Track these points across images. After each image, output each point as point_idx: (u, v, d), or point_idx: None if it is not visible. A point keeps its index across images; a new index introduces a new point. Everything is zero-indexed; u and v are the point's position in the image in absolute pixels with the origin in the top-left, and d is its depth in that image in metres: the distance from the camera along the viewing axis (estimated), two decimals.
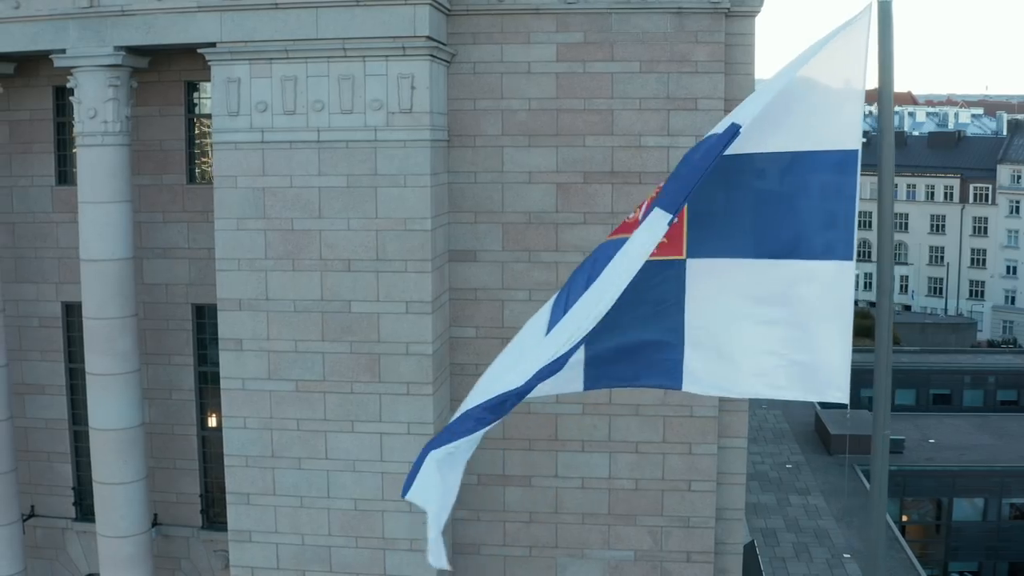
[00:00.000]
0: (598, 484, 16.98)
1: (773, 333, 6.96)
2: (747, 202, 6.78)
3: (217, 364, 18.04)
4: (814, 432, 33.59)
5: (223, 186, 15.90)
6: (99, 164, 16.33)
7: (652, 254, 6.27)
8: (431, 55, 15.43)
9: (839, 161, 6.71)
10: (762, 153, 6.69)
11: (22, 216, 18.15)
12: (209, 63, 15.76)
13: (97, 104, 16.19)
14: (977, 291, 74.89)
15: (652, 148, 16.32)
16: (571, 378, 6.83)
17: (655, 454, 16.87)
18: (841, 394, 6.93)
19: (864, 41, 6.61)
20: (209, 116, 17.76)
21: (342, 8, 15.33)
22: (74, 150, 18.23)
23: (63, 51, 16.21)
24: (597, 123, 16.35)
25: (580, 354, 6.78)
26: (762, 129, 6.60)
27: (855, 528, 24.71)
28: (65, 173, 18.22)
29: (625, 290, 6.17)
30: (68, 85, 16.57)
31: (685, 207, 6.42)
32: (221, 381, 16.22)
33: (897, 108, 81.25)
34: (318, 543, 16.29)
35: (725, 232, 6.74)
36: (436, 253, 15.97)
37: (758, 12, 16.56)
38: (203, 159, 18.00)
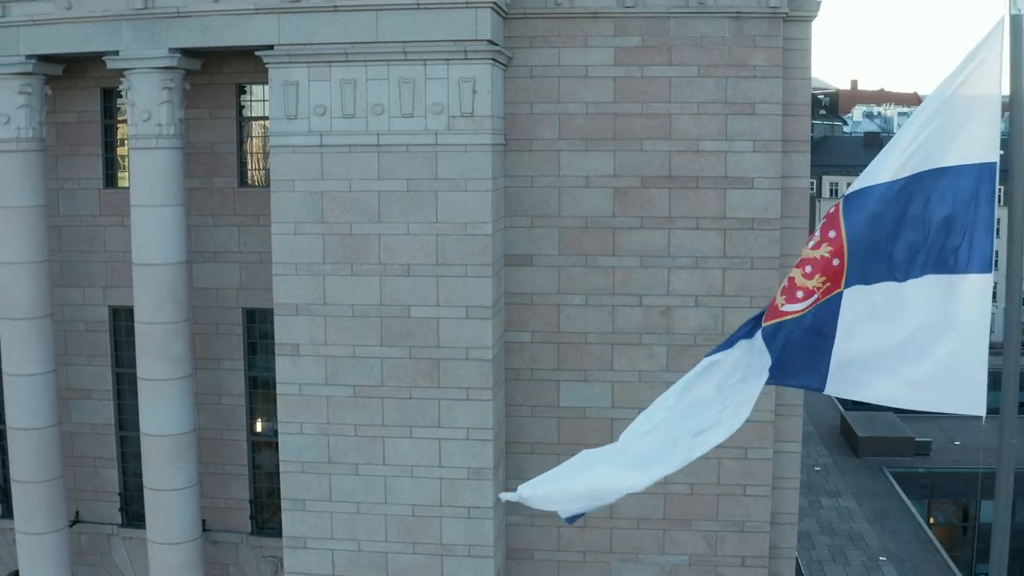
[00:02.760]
0: (653, 488, 16.65)
1: (914, 346, 6.99)
2: (897, 224, 6.82)
3: (267, 368, 17.98)
4: (840, 434, 33.65)
5: (280, 190, 15.79)
6: (152, 167, 16.19)
7: (816, 301, 6.74)
8: (492, 59, 15.36)
9: (977, 174, 6.75)
10: (912, 176, 6.75)
11: (68, 219, 17.97)
12: (267, 66, 15.65)
13: (151, 107, 16.05)
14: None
15: (710, 152, 16.28)
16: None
17: (711, 458, 16.78)
18: (979, 408, 6.94)
19: (998, 54, 6.64)
20: (259, 119, 17.68)
21: (402, 11, 15.25)
22: (122, 152, 18.11)
23: (116, 53, 16.06)
24: (655, 127, 16.31)
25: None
26: (910, 152, 6.71)
27: (889, 531, 24.78)
28: (112, 176, 18.05)
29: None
30: (120, 88, 16.45)
31: (845, 243, 6.71)
32: (277, 386, 16.10)
33: (905, 109, 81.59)
34: (374, 549, 16.21)
35: (876, 257, 6.82)
36: (495, 257, 15.90)
37: (815, 16, 16.55)
38: (255, 162, 17.87)
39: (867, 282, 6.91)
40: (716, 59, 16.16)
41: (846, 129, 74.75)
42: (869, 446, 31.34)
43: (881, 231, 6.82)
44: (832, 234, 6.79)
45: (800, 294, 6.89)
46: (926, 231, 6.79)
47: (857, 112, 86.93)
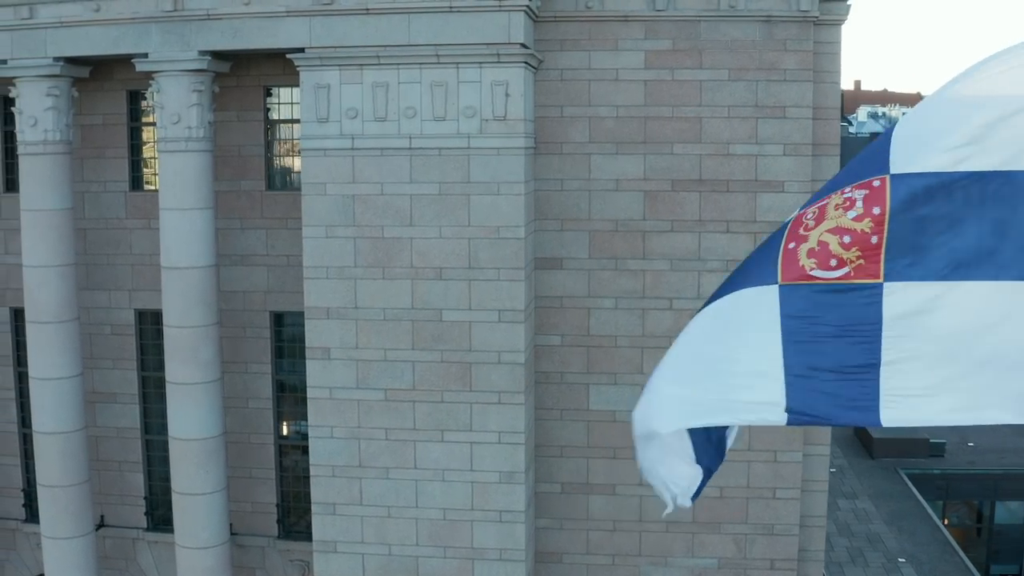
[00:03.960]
0: None
1: (990, 357, 6.83)
2: (957, 223, 6.63)
3: (294, 372, 17.94)
4: (854, 435, 33.72)
5: (311, 193, 15.75)
6: (182, 170, 16.13)
7: (844, 277, 6.04)
8: (525, 62, 15.34)
9: None
10: (974, 172, 6.56)
11: (94, 222, 17.90)
12: (298, 68, 15.60)
13: (180, 109, 15.99)
14: None
15: (740, 156, 16.28)
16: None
17: (740, 462, 16.84)
18: None
19: None
20: (287, 121, 17.64)
21: (435, 14, 15.21)
22: (148, 155, 18.05)
23: (145, 55, 16.00)
24: (685, 130, 16.30)
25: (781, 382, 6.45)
26: (975, 148, 6.48)
27: (907, 532, 24.85)
28: (138, 178, 17.98)
29: (812, 316, 5.96)
30: (149, 90, 16.39)
31: (887, 224, 6.22)
32: (308, 390, 16.06)
33: (908, 110, 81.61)
34: (405, 553, 16.17)
35: (932, 254, 6.54)
36: (527, 261, 15.88)
37: (844, 20, 16.57)
38: (282, 165, 17.82)
39: (920, 278, 6.46)
40: (746, 62, 16.15)
41: (852, 130, 74.85)
42: (884, 447, 31.41)
43: (936, 224, 6.48)
44: (876, 211, 6.33)
45: (833, 262, 6.37)
46: (1001, 232, 6.54)
47: (862, 112, 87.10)
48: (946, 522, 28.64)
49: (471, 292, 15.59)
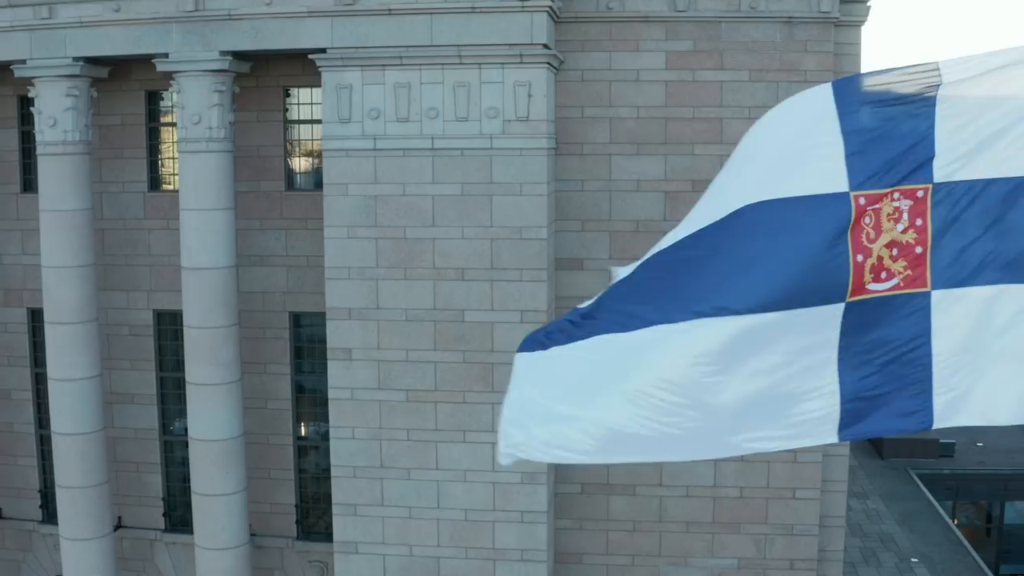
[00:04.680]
0: (703, 492, 16.94)
1: None
2: (998, 226, 6.60)
3: (312, 373, 17.93)
4: None
5: (333, 193, 15.74)
6: (203, 171, 16.10)
7: (894, 288, 5.97)
8: (547, 63, 15.35)
9: None
10: (1014, 177, 6.52)
11: (112, 223, 17.86)
12: (319, 69, 15.59)
13: (201, 109, 15.96)
14: None
15: None
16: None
17: (760, 462, 16.85)
18: None
19: None
20: (307, 122, 17.62)
21: (457, 15, 15.21)
22: (166, 156, 18.02)
23: (166, 55, 15.97)
24: (706, 131, 16.31)
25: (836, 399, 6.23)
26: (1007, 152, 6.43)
27: (918, 532, 24.90)
28: (156, 179, 17.95)
29: (862, 325, 5.82)
30: (168, 90, 16.37)
31: (930, 234, 6.17)
32: (329, 391, 16.04)
33: None
34: (426, 554, 16.16)
35: (977, 259, 6.51)
36: (549, 261, 15.88)
37: (864, 22, 16.61)
38: (302, 165, 17.81)
39: (966, 284, 6.43)
40: (767, 64, 16.17)
41: None
42: (893, 448, 31.46)
43: (977, 228, 6.43)
44: (919, 222, 6.32)
45: (884, 275, 6.38)
46: None
47: None
48: (956, 522, 28.71)
49: (493, 293, 15.59)
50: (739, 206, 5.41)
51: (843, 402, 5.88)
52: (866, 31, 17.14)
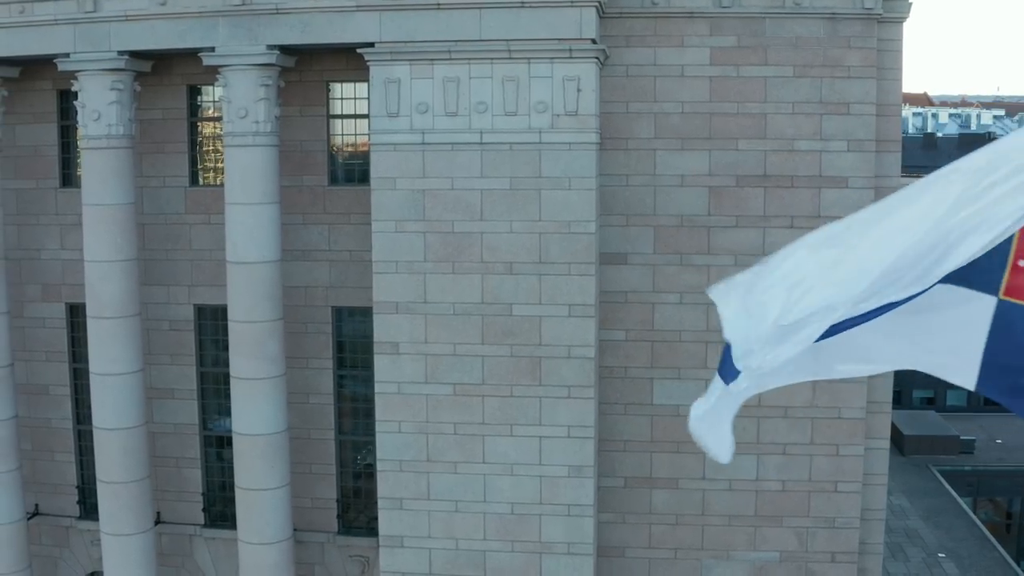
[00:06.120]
0: (745, 486, 17.02)
1: None
2: None
3: (354, 368, 17.94)
4: None
5: (381, 188, 15.76)
6: (249, 165, 16.11)
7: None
8: (596, 57, 15.41)
9: None
10: None
11: (152, 218, 17.83)
12: (367, 63, 15.62)
13: (248, 104, 15.97)
14: None
15: (804, 152, 16.39)
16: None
17: (803, 455, 16.94)
18: None
19: None
20: (349, 117, 17.65)
21: (506, 9, 15.26)
22: (208, 150, 18.02)
23: (212, 49, 15.97)
24: (750, 127, 16.40)
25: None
26: None
27: (944, 528, 25.05)
28: (197, 173, 17.94)
29: None
30: (215, 84, 16.36)
31: None
32: (375, 385, 16.06)
33: (919, 110, 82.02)
34: (472, 547, 16.19)
35: None
36: (596, 256, 15.94)
37: (906, 18, 16.72)
38: (345, 160, 17.82)
39: None
40: (811, 59, 16.27)
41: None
42: (915, 444, 31.64)
43: None
44: None
45: None
46: None
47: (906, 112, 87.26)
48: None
49: (541, 287, 15.64)
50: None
51: (982, 368, 5.86)
52: (906, 27, 17.28)
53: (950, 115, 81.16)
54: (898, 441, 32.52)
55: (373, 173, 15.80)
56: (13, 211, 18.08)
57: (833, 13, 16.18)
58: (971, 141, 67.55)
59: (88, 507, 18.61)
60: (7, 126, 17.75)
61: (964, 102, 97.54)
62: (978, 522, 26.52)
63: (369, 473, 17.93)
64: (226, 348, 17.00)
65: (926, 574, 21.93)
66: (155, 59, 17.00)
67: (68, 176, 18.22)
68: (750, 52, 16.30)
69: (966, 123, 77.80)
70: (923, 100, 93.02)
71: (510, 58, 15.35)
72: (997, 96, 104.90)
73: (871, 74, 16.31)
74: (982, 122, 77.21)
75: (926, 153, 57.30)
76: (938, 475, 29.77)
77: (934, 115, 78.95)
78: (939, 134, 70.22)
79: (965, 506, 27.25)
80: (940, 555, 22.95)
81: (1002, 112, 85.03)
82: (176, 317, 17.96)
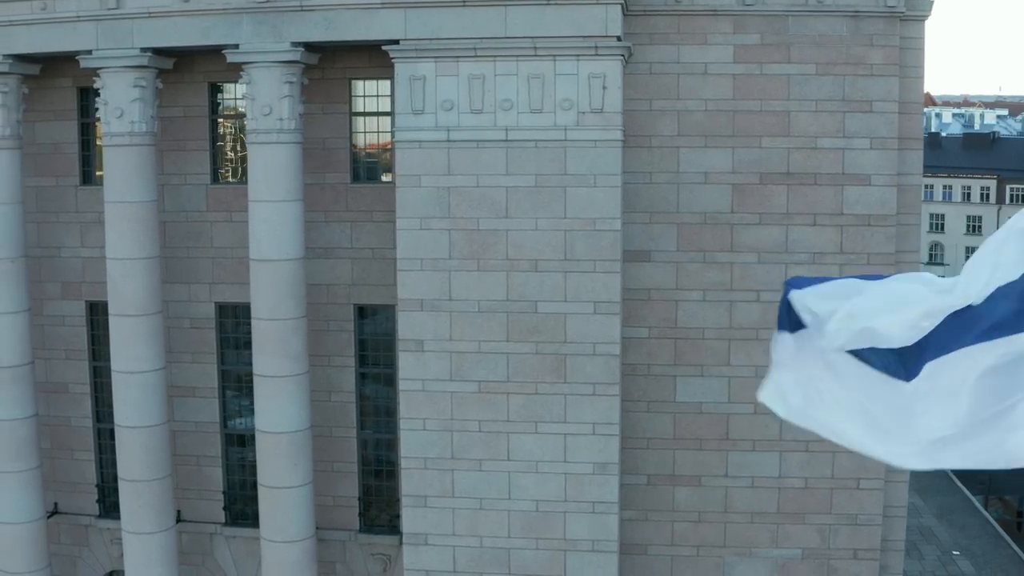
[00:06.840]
0: (768, 483, 17.04)
1: None
2: None
3: (376, 365, 17.94)
4: None
5: (406, 185, 15.76)
6: (272, 162, 16.10)
7: None
8: (621, 55, 15.43)
9: None
10: None
11: (173, 215, 17.80)
12: (392, 60, 15.62)
13: (272, 101, 15.96)
14: None
15: (828, 150, 16.42)
16: None
17: (825, 452, 16.93)
18: None
19: None
20: (372, 114, 17.65)
21: (532, 6, 15.28)
22: (229, 148, 18.00)
23: (236, 46, 15.96)
24: (773, 124, 16.42)
25: None
26: None
27: (957, 526, 25.11)
28: (218, 171, 17.92)
29: None
30: (239, 81, 16.34)
31: None
32: (400, 382, 16.07)
33: (924, 109, 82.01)
34: (497, 545, 16.18)
35: None
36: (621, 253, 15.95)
37: (928, 16, 16.76)
38: (368, 157, 17.81)
39: None
40: (834, 57, 16.30)
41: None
42: None
43: None
44: None
45: None
46: None
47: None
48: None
49: (567, 284, 15.64)
50: None
51: None
52: (928, 26, 17.31)
53: (953, 115, 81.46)
54: None
55: (398, 170, 15.79)
56: (33, 209, 18.03)
57: (856, 11, 16.21)
58: (975, 141, 67.75)
59: (108, 506, 18.58)
60: (27, 123, 17.70)
61: (966, 102, 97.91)
62: (992, 520, 26.59)
63: (391, 471, 17.92)
64: (247, 346, 16.99)
65: (941, 571, 21.99)
66: (178, 56, 16.98)
67: (88, 174, 18.19)
68: (773, 50, 16.33)
69: (969, 123, 78.00)
70: (926, 100, 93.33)
71: (536, 55, 15.36)
72: (999, 96, 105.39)
73: (893, 72, 16.35)
74: (985, 122, 77.40)
75: (931, 152, 57.47)
76: (950, 473, 29.85)
77: (938, 115, 79.17)
78: (943, 134, 70.37)
79: (978, 504, 27.31)
80: (955, 553, 23.01)
81: (1005, 112, 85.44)
82: (197, 315, 17.93)
